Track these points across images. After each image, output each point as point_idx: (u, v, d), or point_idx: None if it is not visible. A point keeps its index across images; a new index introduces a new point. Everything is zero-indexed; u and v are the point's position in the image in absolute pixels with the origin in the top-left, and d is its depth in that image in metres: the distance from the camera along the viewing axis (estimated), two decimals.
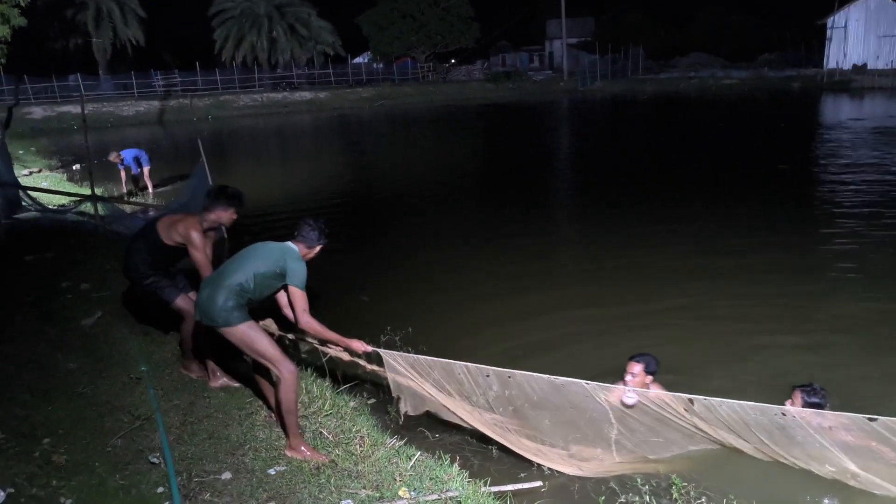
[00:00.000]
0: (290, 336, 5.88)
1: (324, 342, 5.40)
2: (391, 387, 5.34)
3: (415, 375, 5.18)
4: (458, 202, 15.66)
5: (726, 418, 4.58)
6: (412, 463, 4.72)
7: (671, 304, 8.24)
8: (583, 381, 4.79)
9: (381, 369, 5.38)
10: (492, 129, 34.11)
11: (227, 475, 4.44)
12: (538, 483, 4.78)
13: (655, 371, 5.27)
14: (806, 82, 48.30)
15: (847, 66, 49.95)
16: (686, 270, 9.46)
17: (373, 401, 5.97)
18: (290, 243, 4.83)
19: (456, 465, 4.77)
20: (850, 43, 50.57)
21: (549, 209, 14.71)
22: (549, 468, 4.94)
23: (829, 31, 51.80)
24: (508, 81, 57.16)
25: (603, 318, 7.89)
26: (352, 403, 5.72)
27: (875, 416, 4.26)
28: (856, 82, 46.04)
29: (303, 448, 4.70)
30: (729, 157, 20.09)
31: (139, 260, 5.60)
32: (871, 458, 4.42)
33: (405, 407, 5.33)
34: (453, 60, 68.82)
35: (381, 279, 9.79)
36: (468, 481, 4.59)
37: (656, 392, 4.87)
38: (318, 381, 5.99)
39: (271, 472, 4.52)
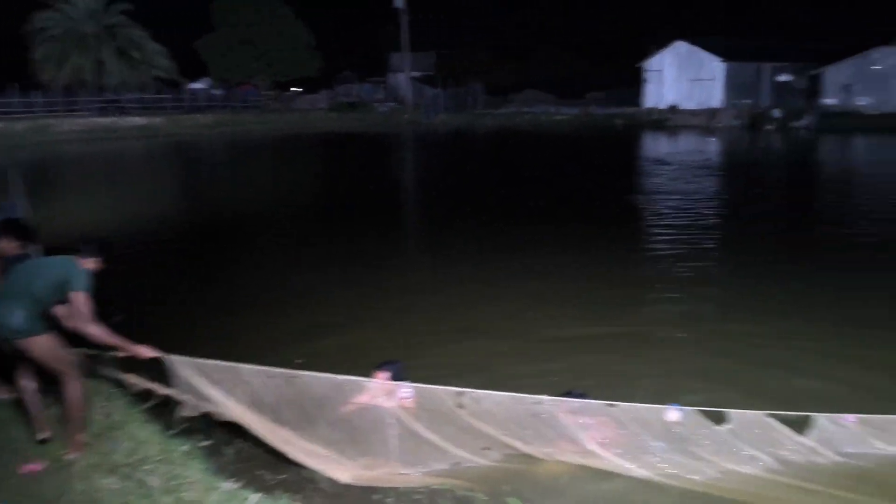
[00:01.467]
0: (88, 351, 5.48)
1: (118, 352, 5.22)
2: (176, 392, 5.20)
3: (202, 381, 5.08)
4: (300, 229, 15.45)
5: (492, 411, 4.89)
6: None
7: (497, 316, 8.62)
8: (363, 379, 4.96)
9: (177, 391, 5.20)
10: (336, 158, 34.06)
11: None
12: None
13: (403, 378, 5.36)
14: (628, 120, 52.36)
15: (663, 105, 54.76)
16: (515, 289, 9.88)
17: (207, 442, 5.57)
18: (71, 256, 4.98)
19: None
20: (666, 85, 55.56)
21: (392, 237, 14.81)
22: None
23: (646, 74, 56.66)
24: (353, 112, 57.41)
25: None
26: (183, 447, 5.30)
27: (615, 403, 4.89)
28: (671, 121, 50.59)
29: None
30: (564, 188, 21.28)
31: None
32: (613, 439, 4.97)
33: (187, 410, 5.20)
34: (297, 89, 68.17)
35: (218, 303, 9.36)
36: None
37: (432, 387, 5.01)
38: (146, 425, 5.55)
39: None
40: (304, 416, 5.02)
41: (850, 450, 5.05)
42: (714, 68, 52.66)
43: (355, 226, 15.57)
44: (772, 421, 4.98)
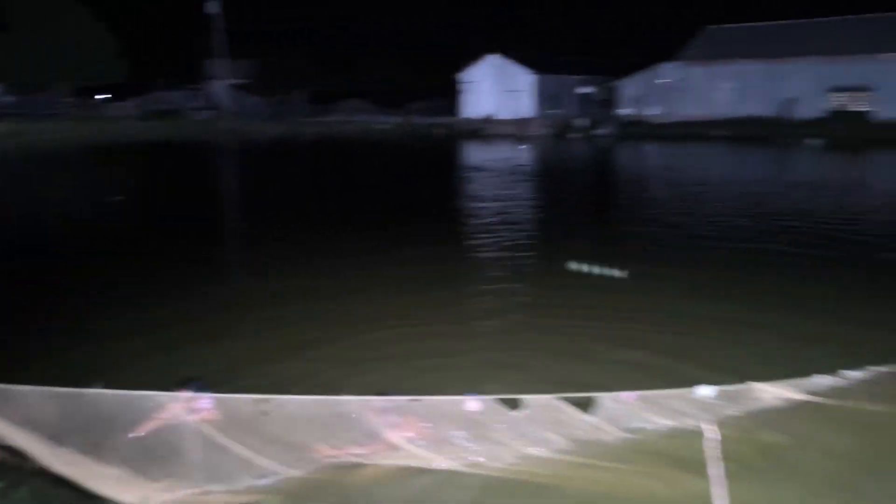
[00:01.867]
0: None
1: None
2: None
3: None
4: (114, 241, 14.48)
5: (300, 416, 4.89)
6: None
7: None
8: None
9: None
10: (144, 168, 32.15)
11: None
12: None
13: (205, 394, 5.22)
14: (448, 129, 54.11)
15: (480, 115, 57.20)
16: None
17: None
18: None
19: None
20: (481, 96, 58.09)
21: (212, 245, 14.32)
22: None
23: (463, 85, 58.95)
24: (165, 119, 54.55)
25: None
26: None
27: (419, 397, 5.12)
28: (487, 130, 52.98)
29: None
30: (393, 195, 21.68)
31: None
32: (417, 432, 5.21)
33: None
34: (104, 96, 63.57)
35: None
36: None
37: (233, 396, 4.90)
38: None
39: None
40: (92, 438, 4.69)
41: (632, 425, 5.53)
42: (524, 80, 55.86)
43: (174, 240, 14.86)
44: (562, 403, 5.32)
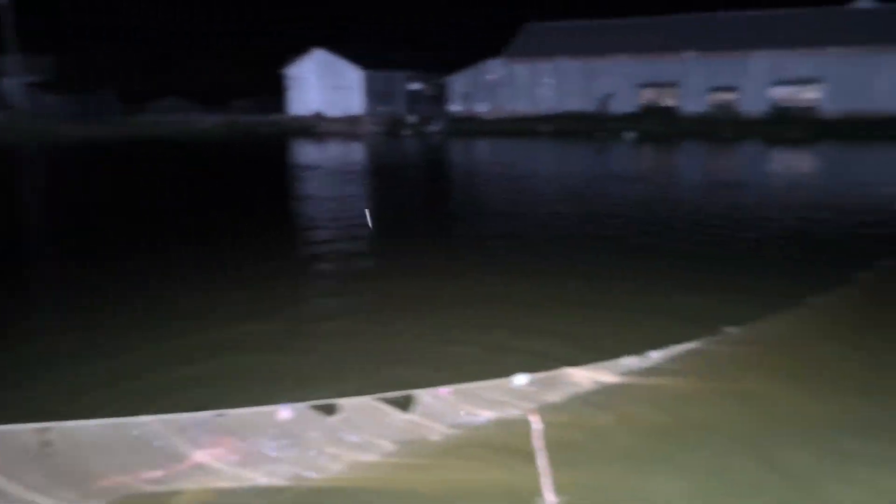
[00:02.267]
0: None
1: None
2: None
3: None
4: None
5: (90, 443, 4.35)
6: None
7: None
8: None
9: None
10: None
11: None
12: None
13: None
14: (275, 127, 52.11)
15: (308, 112, 55.59)
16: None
17: None
18: None
19: None
20: (309, 92, 56.47)
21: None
22: None
23: (289, 81, 57.00)
24: None
25: None
26: None
27: (223, 412, 4.70)
28: (317, 128, 51.56)
29: None
30: (219, 197, 20.34)
31: None
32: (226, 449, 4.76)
33: None
34: None
35: None
36: None
37: (7, 427, 4.28)
38: None
39: None
40: None
41: (454, 420, 5.39)
42: (352, 77, 54.94)
43: None
44: (380, 404, 5.14)
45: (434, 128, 49.83)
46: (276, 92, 58.91)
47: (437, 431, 5.30)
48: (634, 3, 54.95)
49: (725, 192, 20.40)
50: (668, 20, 51.17)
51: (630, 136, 41.05)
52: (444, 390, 5.45)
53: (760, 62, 45.73)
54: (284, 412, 4.88)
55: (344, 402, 5.04)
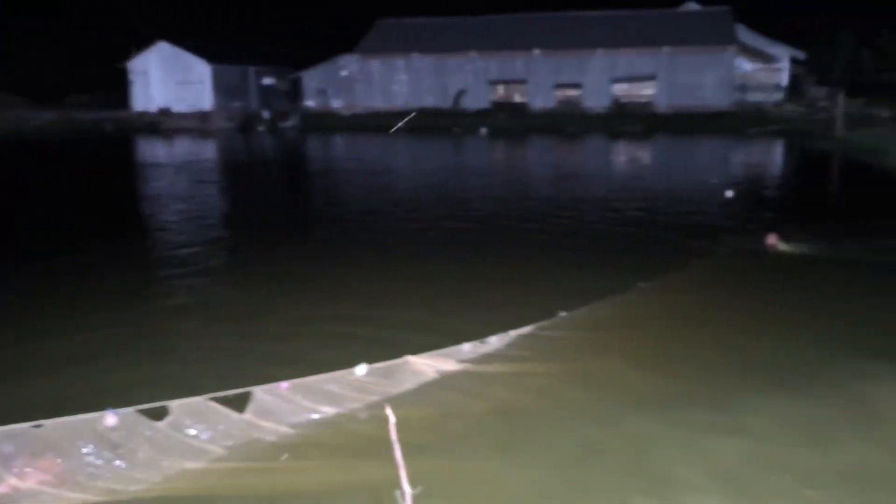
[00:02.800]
0: None
1: None
2: None
3: None
4: None
5: None
6: None
7: None
8: None
9: None
10: None
11: None
12: None
13: None
14: (118, 124, 49.05)
15: (154, 108, 52.75)
16: None
17: None
18: None
19: None
20: (153, 87, 53.57)
21: None
22: None
23: (131, 76, 53.82)
24: None
25: None
26: None
27: (41, 423, 4.41)
28: (164, 124, 49.04)
29: None
30: (59, 202, 18.99)
31: None
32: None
33: None
34: None
35: None
36: None
37: None
38: None
39: None
40: None
41: (294, 417, 5.28)
42: (201, 71, 52.73)
43: None
44: (213, 404, 4.91)
45: (289, 124, 48.88)
46: (117, 87, 55.39)
47: (273, 431, 5.12)
48: (481, 2, 56.33)
49: (572, 183, 21.58)
50: (516, 19, 52.96)
51: (484, 131, 42.20)
52: (283, 385, 5.30)
53: (601, 60, 48.46)
54: (110, 418, 4.63)
55: (174, 405, 4.80)
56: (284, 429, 5.19)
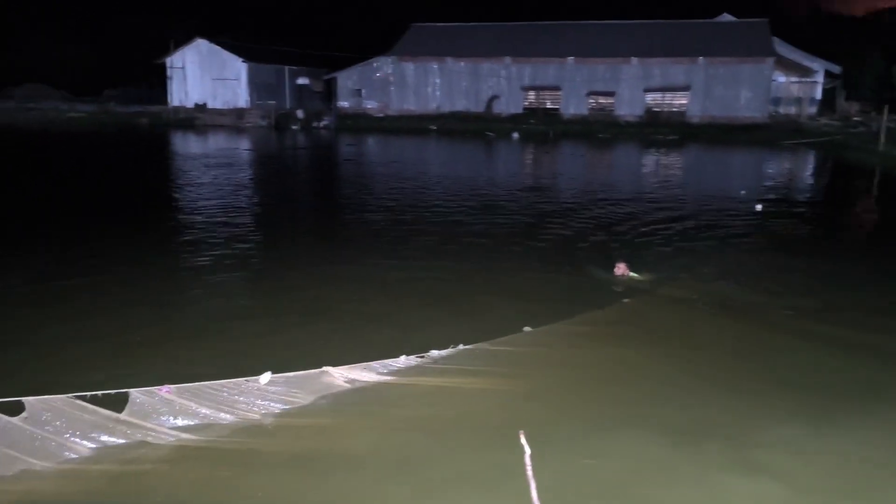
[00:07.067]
0: None
1: None
2: None
3: None
4: None
5: None
6: None
7: None
8: None
9: None
10: None
11: None
12: None
13: None
14: (154, 118, 49.78)
15: (190, 104, 53.50)
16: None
17: None
18: None
19: None
20: (190, 83, 54.33)
21: None
22: None
23: (169, 71, 54.62)
24: None
25: None
26: None
27: None
28: (199, 120, 49.70)
29: None
30: (105, 191, 19.25)
31: None
32: None
33: None
34: None
35: None
36: None
37: None
38: None
39: None
40: None
41: (179, 422, 4.99)
42: (237, 68, 53.39)
43: None
44: (81, 403, 4.58)
45: (323, 123, 49.32)
46: (153, 82, 56.24)
47: (153, 433, 4.77)
48: (514, 9, 56.32)
49: (606, 189, 21.31)
50: (550, 26, 53.03)
51: (516, 136, 42.31)
52: (164, 389, 4.95)
53: (635, 69, 48.39)
54: None
55: (32, 401, 4.40)
56: (169, 432, 4.88)
